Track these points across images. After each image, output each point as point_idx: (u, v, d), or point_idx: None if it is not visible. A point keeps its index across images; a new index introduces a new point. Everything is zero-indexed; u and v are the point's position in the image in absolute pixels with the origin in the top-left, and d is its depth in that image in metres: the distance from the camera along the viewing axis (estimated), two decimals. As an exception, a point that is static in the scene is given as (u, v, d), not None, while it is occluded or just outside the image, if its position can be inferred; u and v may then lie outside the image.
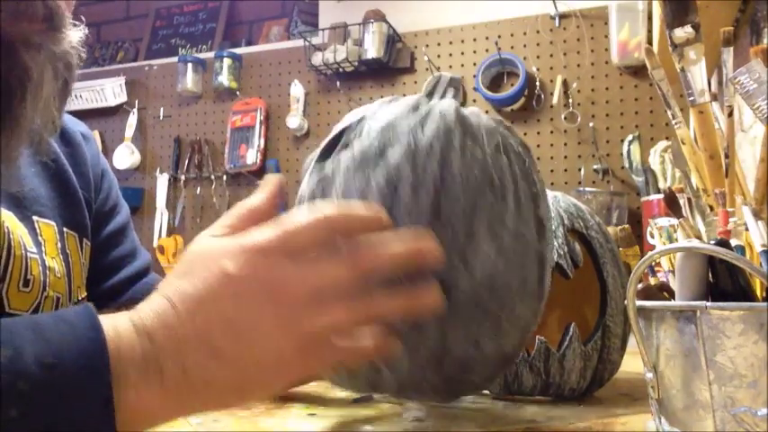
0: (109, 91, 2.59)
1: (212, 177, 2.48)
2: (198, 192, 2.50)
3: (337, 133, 0.52)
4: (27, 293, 0.59)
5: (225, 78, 2.44)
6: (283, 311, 0.39)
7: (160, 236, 2.49)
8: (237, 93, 2.48)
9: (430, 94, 0.54)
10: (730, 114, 0.69)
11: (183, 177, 2.52)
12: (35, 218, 0.62)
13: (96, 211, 0.72)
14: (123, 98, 2.60)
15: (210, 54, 2.54)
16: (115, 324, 0.39)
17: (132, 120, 2.58)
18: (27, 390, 0.34)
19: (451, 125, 0.48)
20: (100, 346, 0.37)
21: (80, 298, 0.66)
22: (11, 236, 0.58)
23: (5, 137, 0.48)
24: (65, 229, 0.65)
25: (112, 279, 0.73)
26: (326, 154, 0.51)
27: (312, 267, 0.40)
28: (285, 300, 0.39)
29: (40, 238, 0.62)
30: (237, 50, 2.52)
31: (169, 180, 2.53)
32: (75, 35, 0.52)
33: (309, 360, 0.41)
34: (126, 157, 2.53)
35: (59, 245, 0.64)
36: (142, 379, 0.37)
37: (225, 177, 2.45)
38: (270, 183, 0.46)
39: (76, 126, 0.74)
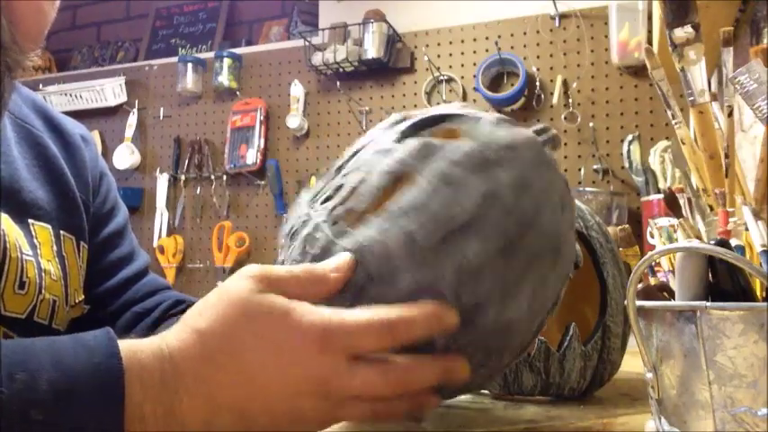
0: (109, 91, 2.59)
1: (212, 177, 2.48)
2: (198, 192, 2.50)
3: (444, 114, 0.51)
4: (23, 296, 0.58)
5: (225, 78, 2.44)
6: (325, 405, 0.41)
7: (160, 236, 2.49)
8: (237, 93, 2.48)
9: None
10: (730, 114, 0.69)
11: (183, 177, 2.52)
12: (31, 221, 0.62)
13: (94, 213, 0.71)
14: (123, 98, 2.60)
15: (210, 54, 2.53)
16: (141, 371, 0.38)
17: (132, 120, 2.58)
18: (39, 419, 0.35)
19: (557, 183, 0.49)
20: (116, 373, 0.37)
21: (77, 301, 0.66)
22: (6, 238, 0.57)
23: None
24: (61, 232, 0.65)
25: (111, 281, 0.72)
26: (426, 126, 0.50)
27: (364, 380, 0.41)
28: (330, 397, 0.41)
29: (35, 240, 0.61)
30: (237, 50, 2.52)
31: (169, 180, 2.53)
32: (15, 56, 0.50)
33: (334, 422, 0.43)
34: (126, 157, 2.53)
35: (55, 248, 0.64)
36: (160, 424, 0.38)
37: (225, 177, 2.45)
38: (341, 267, 0.44)
39: (75, 128, 0.74)
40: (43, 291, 0.60)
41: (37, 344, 0.38)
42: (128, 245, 0.76)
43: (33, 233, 0.62)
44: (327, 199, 0.49)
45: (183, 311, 0.73)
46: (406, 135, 0.50)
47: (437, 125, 0.50)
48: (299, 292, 0.42)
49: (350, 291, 0.44)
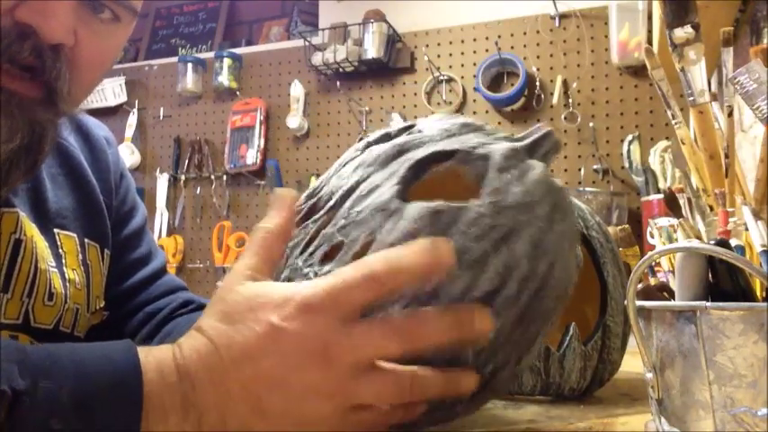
0: (109, 91, 2.59)
1: (212, 177, 2.48)
2: (198, 192, 2.50)
3: (447, 151, 0.46)
4: (51, 307, 0.59)
5: (225, 78, 2.44)
6: (331, 375, 0.39)
7: (160, 236, 2.49)
8: (237, 93, 2.48)
9: (531, 150, 0.48)
10: (730, 114, 0.69)
11: (182, 177, 2.52)
12: (56, 230, 0.62)
13: (114, 214, 0.72)
14: (123, 98, 2.60)
15: (210, 54, 2.54)
16: (160, 365, 0.39)
17: (132, 120, 2.58)
18: (59, 429, 0.35)
19: (568, 226, 0.46)
20: (136, 390, 0.37)
21: (98, 308, 0.67)
22: (36, 250, 0.58)
23: None
24: (86, 240, 0.65)
25: (129, 281, 0.73)
26: (426, 167, 0.46)
27: (362, 336, 0.39)
28: (334, 364, 0.39)
29: (60, 250, 0.62)
30: (237, 50, 2.52)
31: (169, 180, 2.53)
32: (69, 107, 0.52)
33: (349, 424, 0.41)
34: (126, 157, 2.53)
35: (80, 256, 0.64)
36: (179, 424, 0.38)
37: (225, 177, 2.45)
38: (283, 199, 0.46)
39: (100, 130, 0.74)
40: (68, 300, 0.61)
41: (61, 351, 0.38)
42: (145, 245, 0.76)
43: (59, 243, 0.62)
44: (325, 257, 0.44)
45: (190, 312, 0.73)
46: (406, 181, 0.45)
47: (438, 163, 0.46)
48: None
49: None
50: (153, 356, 0.39)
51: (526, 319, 0.44)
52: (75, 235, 0.64)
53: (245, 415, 0.39)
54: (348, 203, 0.45)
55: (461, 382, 0.43)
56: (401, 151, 0.47)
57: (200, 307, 0.74)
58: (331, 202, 0.46)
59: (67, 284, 0.61)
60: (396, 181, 0.45)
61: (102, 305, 0.68)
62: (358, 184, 0.46)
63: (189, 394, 0.38)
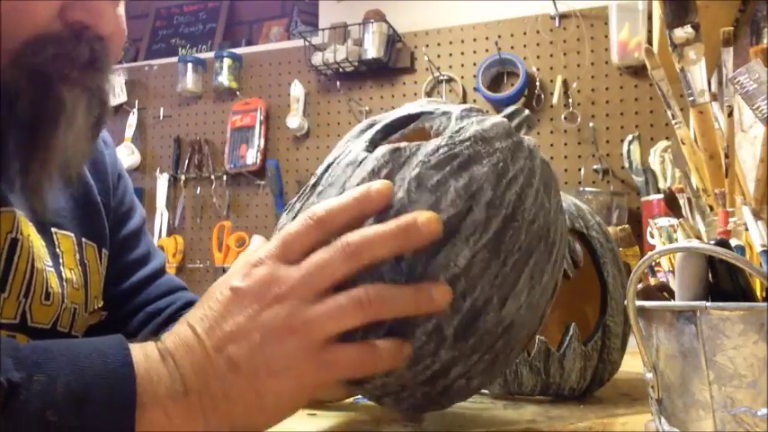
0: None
1: (212, 177, 2.48)
2: (198, 192, 2.50)
3: (412, 114, 0.51)
4: (48, 307, 0.59)
5: (225, 78, 2.44)
6: (285, 311, 0.41)
7: (160, 236, 2.49)
8: (237, 93, 2.48)
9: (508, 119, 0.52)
10: (730, 114, 0.69)
11: (183, 177, 2.52)
12: (54, 229, 0.62)
13: (112, 214, 0.72)
14: (123, 98, 2.60)
15: (210, 54, 2.54)
16: (145, 351, 0.41)
17: (132, 120, 2.58)
18: (54, 421, 0.36)
19: (537, 167, 0.48)
20: (129, 382, 0.39)
21: (96, 308, 0.67)
22: (32, 249, 0.58)
23: (37, 167, 0.51)
24: (83, 240, 0.66)
25: (128, 282, 0.73)
26: (394, 130, 0.51)
27: (308, 266, 0.42)
28: (286, 300, 0.41)
29: (57, 250, 0.62)
30: (237, 50, 2.53)
31: (169, 180, 2.53)
32: (112, 76, 0.55)
33: (322, 368, 0.42)
34: (126, 157, 2.53)
35: (78, 256, 0.64)
36: (169, 395, 0.40)
37: (225, 177, 2.45)
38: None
39: None
40: (65, 300, 0.61)
41: (55, 346, 0.40)
42: (144, 245, 0.76)
43: (56, 242, 0.62)
44: None
45: None
46: (374, 143, 0.49)
47: (405, 127, 0.50)
48: None
49: None
50: (140, 347, 0.41)
51: (501, 250, 0.44)
52: (72, 234, 0.64)
53: (223, 375, 0.41)
54: (327, 174, 0.49)
55: (432, 293, 0.42)
56: (372, 123, 0.52)
57: None
58: (313, 180, 0.50)
59: (65, 284, 0.61)
60: (365, 144, 0.49)
61: (100, 305, 0.67)
62: (336, 157, 0.50)
63: (173, 371, 0.40)
